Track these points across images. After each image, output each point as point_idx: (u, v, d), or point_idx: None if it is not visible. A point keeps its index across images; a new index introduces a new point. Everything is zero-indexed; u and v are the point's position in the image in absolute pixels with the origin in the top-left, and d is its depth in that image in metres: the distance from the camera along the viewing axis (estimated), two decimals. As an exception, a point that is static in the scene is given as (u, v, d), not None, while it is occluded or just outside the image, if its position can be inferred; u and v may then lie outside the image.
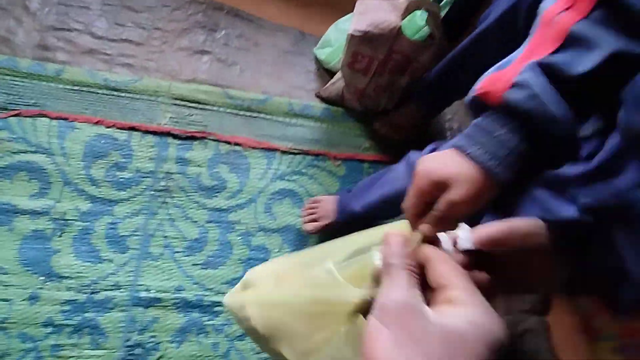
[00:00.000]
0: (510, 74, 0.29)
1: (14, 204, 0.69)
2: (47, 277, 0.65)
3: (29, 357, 0.60)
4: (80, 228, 0.70)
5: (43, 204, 0.70)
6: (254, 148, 0.86)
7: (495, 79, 0.29)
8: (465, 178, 0.29)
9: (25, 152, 0.72)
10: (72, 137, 0.77)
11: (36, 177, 0.72)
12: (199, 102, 0.88)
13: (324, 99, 0.98)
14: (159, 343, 0.66)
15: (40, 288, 0.64)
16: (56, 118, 0.77)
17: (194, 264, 0.73)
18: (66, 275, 0.66)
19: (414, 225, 0.30)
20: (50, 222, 0.69)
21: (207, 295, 0.71)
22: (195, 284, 0.71)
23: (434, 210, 0.28)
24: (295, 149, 0.89)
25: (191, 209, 0.77)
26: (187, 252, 0.73)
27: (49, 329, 0.63)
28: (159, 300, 0.68)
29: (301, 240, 0.78)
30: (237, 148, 0.87)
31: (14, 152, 0.71)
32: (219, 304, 0.70)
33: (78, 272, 0.67)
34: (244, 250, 0.77)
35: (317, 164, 0.89)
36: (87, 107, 0.80)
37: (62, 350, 0.62)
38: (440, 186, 0.29)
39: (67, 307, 0.64)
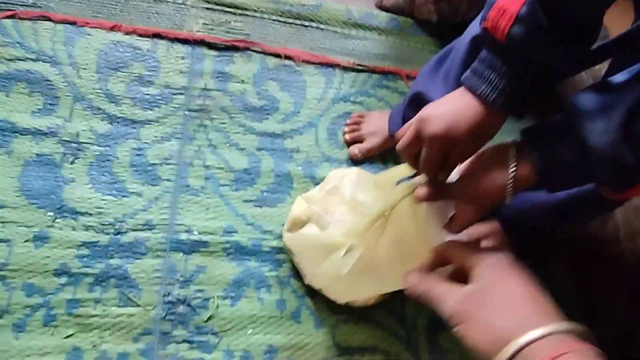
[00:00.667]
0: (515, 6, 0.32)
1: (12, 121, 0.55)
2: (57, 212, 0.51)
3: (38, 315, 0.46)
4: (98, 154, 0.56)
5: (49, 122, 0.56)
6: (308, 63, 0.71)
7: (501, 11, 0.33)
8: (465, 115, 0.35)
9: (24, 59, 0.59)
10: (83, 45, 0.62)
11: (39, 89, 0.57)
12: (237, 7, 0.74)
13: (387, 9, 0.82)
14: (208, 299, 0.51)
15: (50, 226, 0.50)
16: (61, 22, 0.63)
17: (245, 200, 0.58)
18: (83, 210, 0.52)
19: (414, 166, 0.39)
20: (59, 145, 0.55)
21: (265, 240, 0.56)
22: (249, 224, 0.56)
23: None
24: (359, 65, 0.73)
25: (236, 133, 0.62)
26: (236, 185, 0.58)
27: (63, 279, 0.49)
28: (204, 244, 0.54)
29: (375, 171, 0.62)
30: (288, 62, 0.72)
31: (10, 59, 0.58)
32: (282, 250, 0.54)
33: (98, 208, 0.53)
34: (307, 184, 0.61)
35: (386, 84, 0.75)
36: (99, 11, 0.66)
37: (80, 306, 0.48)
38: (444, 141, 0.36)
39: (85, 251, 0.50)
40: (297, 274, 0.58)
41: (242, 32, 0.73)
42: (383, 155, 0.70)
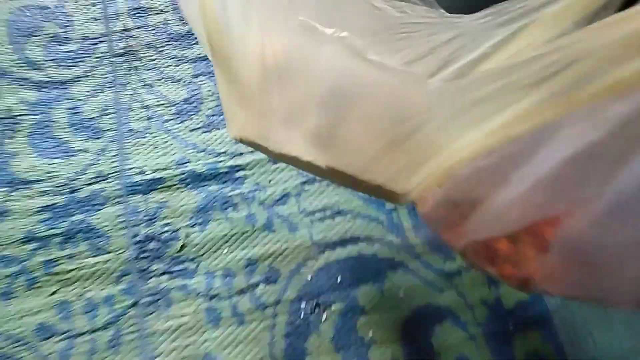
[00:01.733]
0: None
1: (-58, 111, 0.55)
2: (10, 186, 0.52)
3: (20, 281, 0.49)
4: (34, 122, 0.56)
5: (-22, 104, 0.56)
6: None
7: None
8: None
9: None
10: (-11, 19, 0.61)
11: (-41, 75, 0.57)
12: None
13: None
14: (177, 230, 0.52)
15: (6, 200, 0.52)
16: (-38, 3, 0.61)
17: (192, 129, 0.57)
18: (34, 179, 0.53)
19: None
20: (-6, 122, 0.55)
21: (221, 161, 0.55)
22: (202, 151, 0.56)
23: None
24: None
25: (169, 66, 0.60)
26: (180, 117, 0.57)
27: (33, 245, 0.50)
28: (160, 180, 0.54)
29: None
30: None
31: None
32: (240, 167, 0.54)
33: (48, 172, 0.53)
34: (253, 97, 0.59)
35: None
36: (-4, -20, 0.63)
37: (56, 265, 0.50)
38: None
39: (46, 215, 0.51)
40: (264, 185, 0.59)
41: (147, -39, 0.70)
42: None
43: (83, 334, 0.52)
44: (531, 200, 0.12)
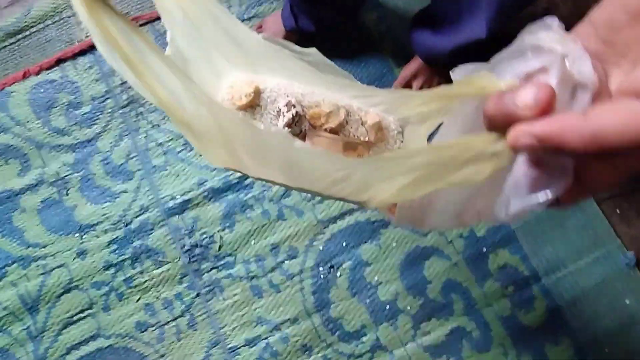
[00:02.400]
0: None
1: (9, 188, 0.74)
2: (80, 231, 0.71)
3: (112, 296, 0.69)
4: (80, 178, 0.74)
5: (33, 175, 0.74)
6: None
7: None
8: None
9: (-16, 139, 0.75)
10: (14, 103, 0.77)
11: (10, 156, 0.75)
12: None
13: None
14: (212, 235, 0.70)
15: (82, 243, 0.71)
16: (-12, 94, 0.77)
17: (201, 154, 0.73)
18: (95, 222, 0.72)
19: None
20: (50, 186, 0.73)
21: (230, 175, 0.72)
22: (213, 170, 0.73)
23: None
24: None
25: None
26: (188, 146, 0.74)
27: (112, 270, 0.70)
28: (189, 201, 0.71)
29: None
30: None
31: (-23, 145, 0.74)
32: (247, 176, 0.71)
33: (103, 215, 0.72)
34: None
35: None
36: (6, 68, 0.78)
37: (133, 280, 0.70)
38: None
39: (114, 247, 0.70)
40: (268, 186, 0.75)
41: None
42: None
43: (168, 322, 0.73)
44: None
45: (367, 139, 0.34)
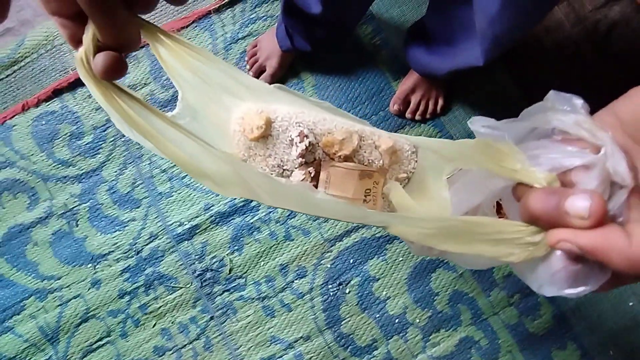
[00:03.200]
0: None
1: (20, 222, 0.76)
2: (93, 262, 0.74)
3: (129, 323, 0.72)
4: (88, 209, 0.76)
5: (42, 208, 0.76)
6: (185, 28, 0.78)
7: None
8: None
9: (-9, 175, 0.77)
10: (17, 137, 0.79)
11: (18, 190, 0.77)
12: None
13: None
14: (222, 259, 0.73)
15: (95, 273, 0.74)
16: (-10, 129, 0.78)
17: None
18: (106, 252, 0.74)
19: None
20: (60, 218, 0.75)
21: (235, 199, 0.73)
22: (219, 194, 0.74)
23: None
24: (226, 1, 0.80)
25: None
26: (192, 171, 0.75)
27: (127, 298, 0.73)
28: (197, 226, 0.74)
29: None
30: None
31: (-16, 181, 0.76)
32: (249, 200, 0.73)
33: (114, 244, 0.74)
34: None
35: (263, 0, 0.79)
36: (4, 100, 0.79)
37: (148, 307, 0.72)
38: None
39: (127, 275, 0.73)
40: (272, 208, 0.78)
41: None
42: (294, 71, 0.80)
43: (185, 345, 0.76)
44: None
45: (381, 162, 0.35)
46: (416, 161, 0.36)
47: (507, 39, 0.45)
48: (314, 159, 0.36)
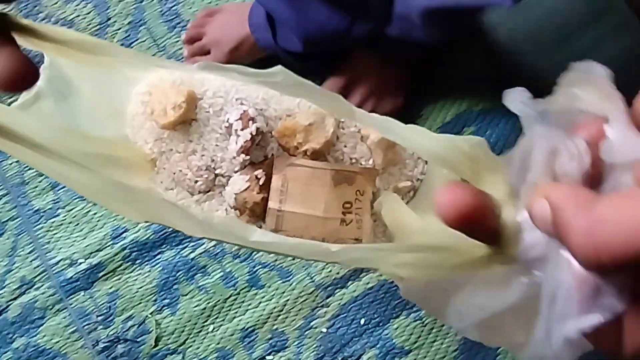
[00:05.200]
0: None
1: None
2: None
3: None
4: None
5: None
6: None
7: None
8: None
9: None
10: None
11: None
12: None
13: None
14: (143, 321, 0.46)
15: None
16: None
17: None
18: None
19: None
20: None
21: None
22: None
23: None
24: None
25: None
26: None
27: None
28: (99, 266, 0.49)
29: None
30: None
31: None
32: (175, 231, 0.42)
33: None
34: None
35: None
36: None
37: None
38: None
39: None
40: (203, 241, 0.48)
41: None
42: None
43: None
44: None
45: (370, 162, 0.26)
46: (426, 162, 0.27)
47: None
48: (264, 157, 0.26)
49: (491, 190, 0.15)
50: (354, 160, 0.26)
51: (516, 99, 0.17)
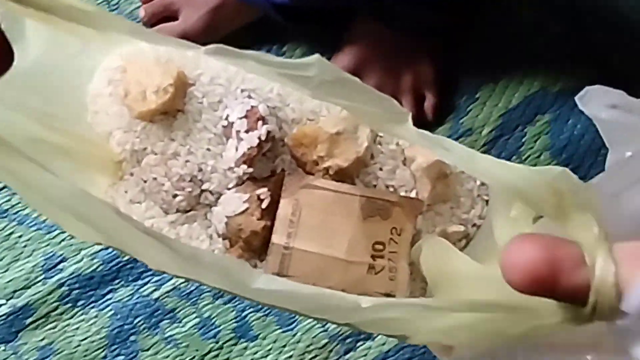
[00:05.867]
0: None
1: None
2: None
3: None
4: None
5: None
6: None
7: None
8: None
9: None
10: None
11: None
12: None
13: None
14: None
15: None
16: None
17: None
18: None
19: None
20: None
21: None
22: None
23: None
24: None
25: None
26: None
27: None
28: (27, 309, 0.36)
29: None
30: None
31: None
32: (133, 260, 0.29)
33: None
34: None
35: None
36: None
37: None
38: None
39: None
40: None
41: None
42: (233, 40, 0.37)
43: None
44: None
45: (414, 193, 0.22)
46: (487, 201, 0.22)
47: None
48: (272, 173, 0.22)
49: (580, 233, 0.12)
50: (391, 189, 0.21)
51: (602, 100, 0.15)
